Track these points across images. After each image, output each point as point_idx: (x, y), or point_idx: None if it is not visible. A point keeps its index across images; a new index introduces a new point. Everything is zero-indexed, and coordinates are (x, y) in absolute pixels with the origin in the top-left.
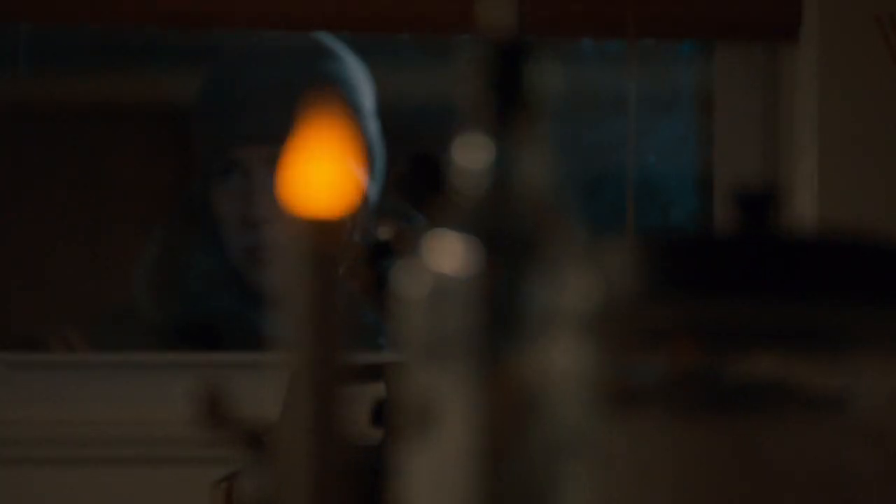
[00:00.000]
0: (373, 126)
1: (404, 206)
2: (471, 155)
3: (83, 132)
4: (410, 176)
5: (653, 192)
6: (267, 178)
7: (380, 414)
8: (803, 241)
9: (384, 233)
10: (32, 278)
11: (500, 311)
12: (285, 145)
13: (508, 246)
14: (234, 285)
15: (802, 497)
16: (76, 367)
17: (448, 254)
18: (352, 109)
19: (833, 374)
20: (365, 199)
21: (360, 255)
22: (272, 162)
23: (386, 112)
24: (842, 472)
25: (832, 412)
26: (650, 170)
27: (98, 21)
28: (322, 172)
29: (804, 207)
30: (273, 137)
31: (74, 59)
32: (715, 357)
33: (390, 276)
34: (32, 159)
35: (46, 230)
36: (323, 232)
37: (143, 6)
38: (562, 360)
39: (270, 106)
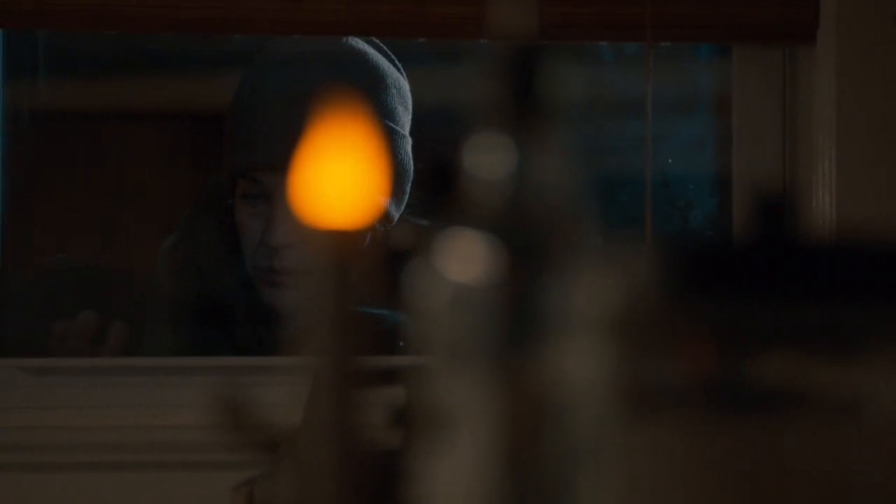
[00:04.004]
0: (405, 145)
1: (424, 209)
2: (489, 159)
3: (100, 137)
4: (431, 181)
5: (671, 195)
6: (290, 205)
7: (399, 418)
8: (821, 245)
9: (403, 237)
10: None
11: (519, 315)
12: (302, 154)
13: (527, 250)
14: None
15: (819, 501)
16: (92, 371)
17: (467, 259)
18: (382, 126)
19: (851, 379)
20: (386, 211)
21: (378, 260)
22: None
23: None
24: (858, 476)
25: (850, 416)
26: (668, 172)
27: (118, 29)
28: (341, 180)
29: (822, 209)
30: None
31: (92, 65)
32: (733, 361)
33: (409, 281)
34: (50, 164)
35: (64, 233)
36: (341, 240)
37: (161, 14)
38: (580, 364)
39: (298, 132)
